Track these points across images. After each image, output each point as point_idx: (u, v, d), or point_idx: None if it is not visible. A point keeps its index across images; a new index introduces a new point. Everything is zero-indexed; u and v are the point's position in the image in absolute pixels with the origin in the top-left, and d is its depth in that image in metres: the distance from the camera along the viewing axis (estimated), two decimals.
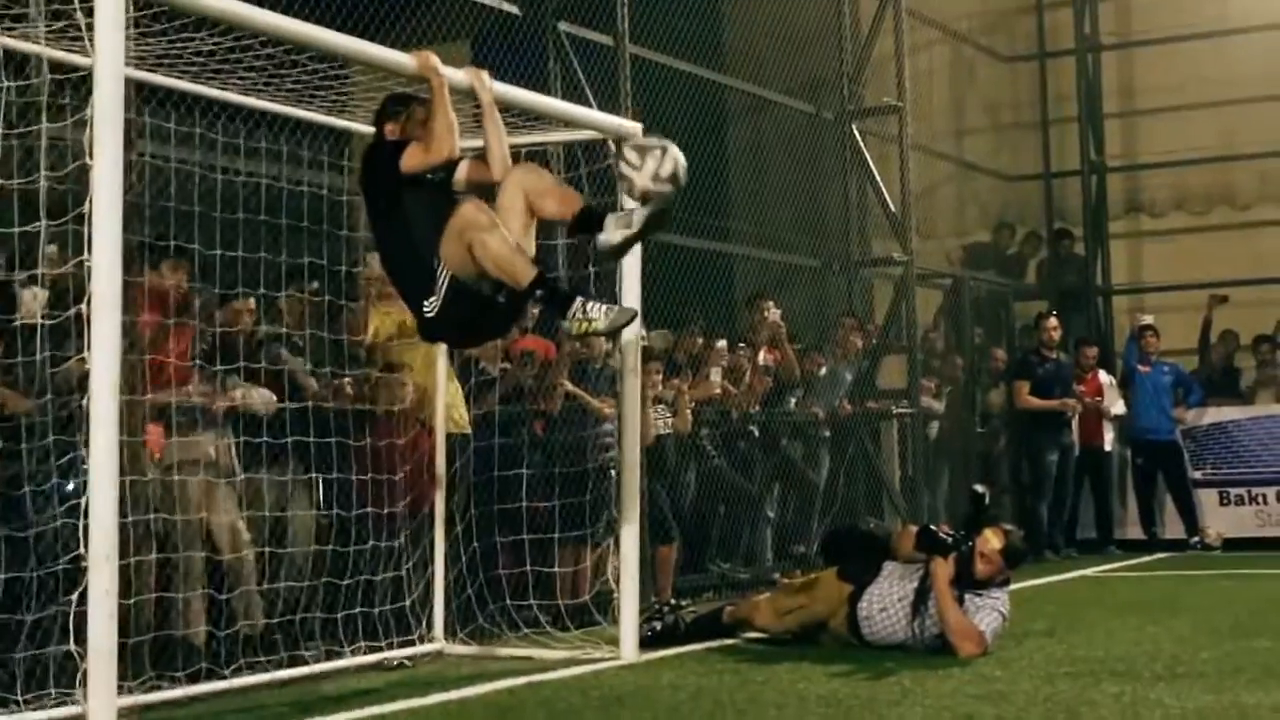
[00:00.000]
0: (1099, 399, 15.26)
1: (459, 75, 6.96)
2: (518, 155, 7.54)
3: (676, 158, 6.50)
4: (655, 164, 6.49)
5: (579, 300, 6.38)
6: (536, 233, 6.81)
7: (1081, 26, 17.84)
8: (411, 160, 6.61)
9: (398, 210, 6.64)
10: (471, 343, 8.07)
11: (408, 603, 8.48)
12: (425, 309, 6.59)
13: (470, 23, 10.62)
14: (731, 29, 14.59)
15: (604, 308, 6.36)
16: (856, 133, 14.28)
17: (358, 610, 8.20)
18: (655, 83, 11.57)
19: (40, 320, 6.76)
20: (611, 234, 6.45)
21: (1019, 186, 18.37)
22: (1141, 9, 18.01)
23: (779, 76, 13.84)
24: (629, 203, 6.99)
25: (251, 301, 8.12)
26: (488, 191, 6.85)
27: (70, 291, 6.09)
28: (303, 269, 8.26)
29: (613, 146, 8.03)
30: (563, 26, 11.29)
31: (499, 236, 6.43)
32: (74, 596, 5.59)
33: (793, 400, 12.85)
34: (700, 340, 11.74)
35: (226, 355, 7.81)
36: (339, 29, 7.20)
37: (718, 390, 11.78)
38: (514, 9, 11.11)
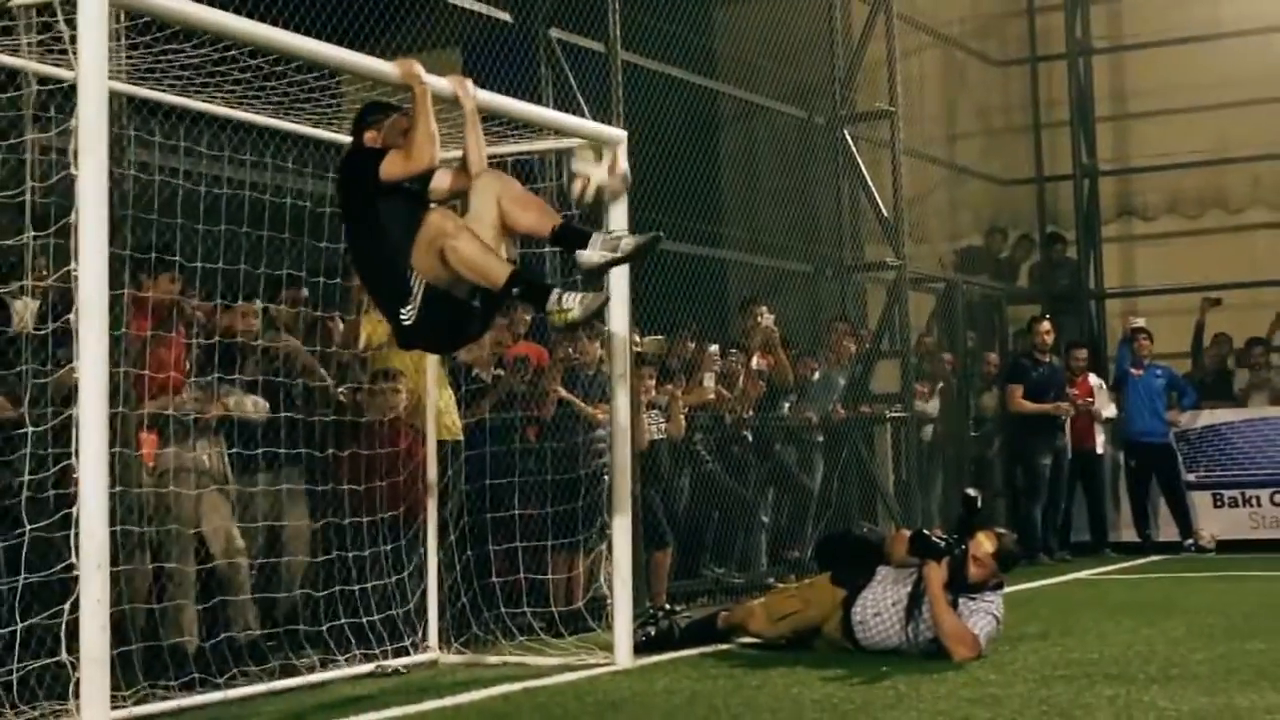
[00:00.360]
0: (1090, 401, 15.27)
1: (443, 83, 6.94)
2: (504, 166, 7.55)
3: (627, 165, 7.05)
4: (609, 162, 6.91)
5: (556, 292, 6.39)
6: (521, 243, 6.86)
7: (1073, 30, 17.84)
8: (391, 168, 6.59)
9: (373, 219, 6.62)
10: (450, 347, 8.05)
11: (402, 610, 8.47)
12: (403, 317, 6.58)
13: (461, 30, 10.60)
14: (723, 35, 14.60)
15: (577, 296, 6.38)
16: (848, 138, 14.31)
17: (351, 619, 8.18)
18: (647, 89, 11.58)
19: (31, 330, 6.76)
20: (593, 253, 6.47)
21: (1011, 191, 18.39)
22: (1133, 12, 18.02)
23: (771, 82, 13.85)
24: (615, 225, 7.17)
25: (257, 302, 8.13)
26: (467, 200, 6.86)
27: (49, 304, 6.08)
28: (296, 279, 8.25)
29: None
30: (554, 33, 11.30)
31: (469, 241, 6.43)
32: (66, 606, 5.57)
33: (786, 405, 12.84)
34: (693, 345, 11.73)
35: (224, 361, 7.80)
36: (329, 38, 7.20)
37: (711, 395, 11.78)
38: (505, 16, 11.10)
